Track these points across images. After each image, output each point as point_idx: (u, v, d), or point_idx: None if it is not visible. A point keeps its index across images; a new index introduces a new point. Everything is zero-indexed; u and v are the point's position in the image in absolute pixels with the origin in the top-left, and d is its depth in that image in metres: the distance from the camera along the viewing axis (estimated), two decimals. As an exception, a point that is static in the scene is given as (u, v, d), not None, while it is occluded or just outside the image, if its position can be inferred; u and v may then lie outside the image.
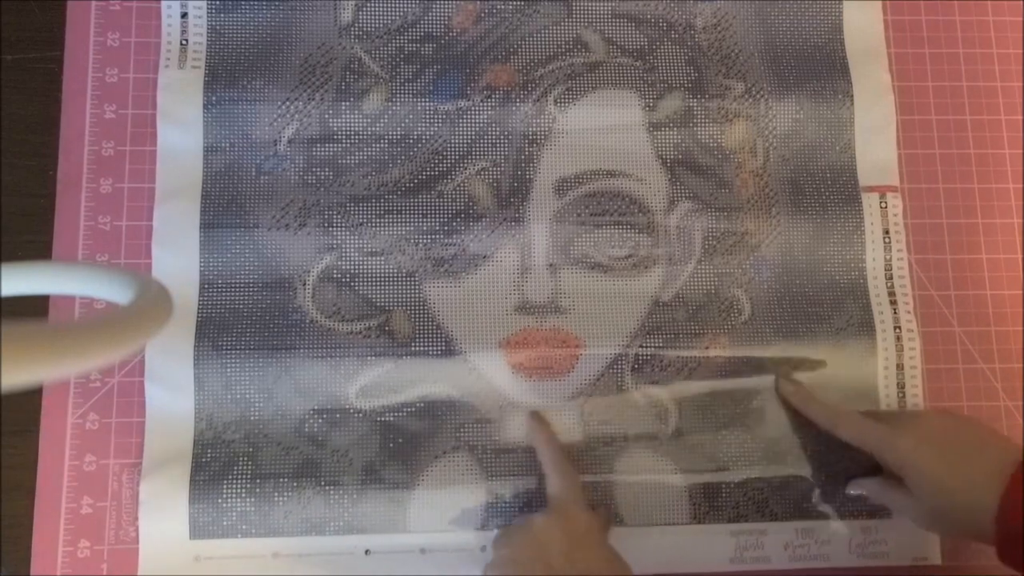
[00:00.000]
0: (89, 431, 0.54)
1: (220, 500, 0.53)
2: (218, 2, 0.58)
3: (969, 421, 0.53)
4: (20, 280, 0.34)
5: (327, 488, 0.54)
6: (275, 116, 0.57)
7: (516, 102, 0.59)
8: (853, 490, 0.56)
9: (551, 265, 0.57)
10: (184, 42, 0.58)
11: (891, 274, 0.60)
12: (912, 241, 0.60)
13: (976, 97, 0.63)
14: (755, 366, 0.57)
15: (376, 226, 0.57)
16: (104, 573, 0.52)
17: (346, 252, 0.56)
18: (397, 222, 0.57)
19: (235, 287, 0.55)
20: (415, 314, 0.56)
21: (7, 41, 0.57)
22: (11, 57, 0.57)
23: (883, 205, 0.60)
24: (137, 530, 0.53)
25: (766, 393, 0.57)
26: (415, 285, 0.56)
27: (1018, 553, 0.45)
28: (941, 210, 0.61)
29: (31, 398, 0.54)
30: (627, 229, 0.58)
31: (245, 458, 0.54)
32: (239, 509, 0.53)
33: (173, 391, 0.54)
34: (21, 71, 0.57)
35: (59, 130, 0.57)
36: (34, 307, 0.54)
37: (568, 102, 0.59)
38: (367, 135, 0.58)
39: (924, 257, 0.60)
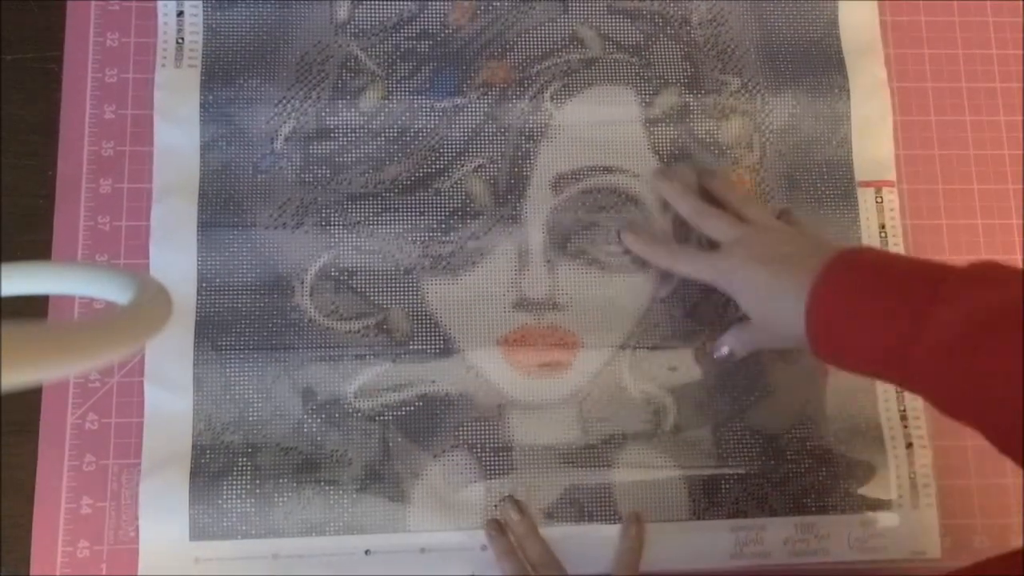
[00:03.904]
0: (88, 431, 0.54)
1: (220, 501, 0.53)
2: (214, 0, 0.58)
3: (786, 230, 0.54)
4: (20, 280, 0.34)
5: (327, 488, 0.54)
6: (272, 114, 0.57)
7: (512, 99, 0.59)
8: (720, 352, 0.56)
9: (548, 262, 0.57)
10: (180, 41, 0.58)
11: (888, 269, 0.60)
12: (912, 242, 0.60)
13: (975, 98, 0.63)
14: (753, 362, 0.58)
15: (373, 224, 0.57)
16: (103, 573, 0.52)
17: (344, 250, 0.56)
18: (394, 220, 0.57)
19: (233, 286, 0.55)
20: (413, 312, 0.56)
21: (7, 41, 0.57)
22: (11, 57, 0.57)
23: (879, 200, 0.60)
24: (136, 530, 0.53)
25: (764, 389, 0.58)
26: (413, 283, 0.57)
27: (826, 344, 0.46)
28: (941, 211, 0.61)
29: (31, 398, 0.54)
30: (624, 225, 0.58)
31: (244, 459, 0.54)
32: (239, 510, 0.53)
33: (172, 391, 0.54)
34: (20, 71, 0.57)
35: (58, 130, 0.57)
36: (34, 307, 0.54)
37: (564, 98, 0.59)
38: (364, 133, 0.58)
39: (924, 258, 0.60)
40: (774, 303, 0.49)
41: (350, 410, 0.55)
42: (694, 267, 0.54)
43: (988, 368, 0.39)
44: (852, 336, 0.45)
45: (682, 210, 0.56)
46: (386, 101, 0.58)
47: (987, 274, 0.41)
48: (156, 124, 0.57)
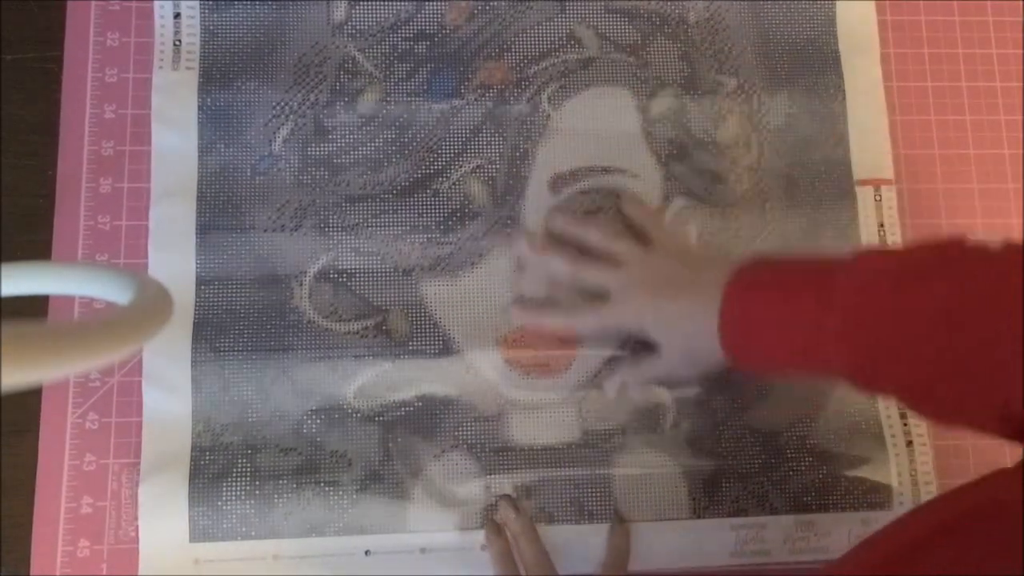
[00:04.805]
0: (89, 431, 0.54)
1: (219, 502, 0.53)
2: (211, 2, 0.58)
3: (672, 257, 0.53)
4: (20, 280, 0.34)
5: (326, 489, 0.54)
6: (269, 116, 0.57)
7: (510, 100, 0.59)
8: (612, 390, 0.56)
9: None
10: (177, 43, 0.58)
11: (887, 267, 0.60)
12: (911, 241, 0.60)
13: (976, 97, 0.63)
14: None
15: (372, 225, 0.57)
16: (104, 573, 0.52)
17: (342, 252, 0.56)
18: (393, 221, 0.57)
19: (232, 288, 0.55)
20: (412, 313, 0.56)
21: (7, 41, 0.57)
22: (11, 57, 0.57)
23: (877, 198, 0.60)
24: (137, 530, 0.53)
25: (764, 387, 0.57)
26: (412, 284, 0.57)
27: (744, 350, 0.48)
28: (940, 210, 0.61)
29: (31, 398, 0.54)
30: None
31: (244, 460, 0.54)
32: (239, 511, 0.53)
33: (171, 393, 0.54)
34: (21, 71, 0.57)
35: (59, 130, 0.57)
36: (34, 307, 0.54)
37: (562, 99, 0.59)
38: (362, 134, 0.58)
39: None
40: (689, 331, 0.50)
41: (350, 411, 0.55)
42: (599, 323, 0.54)
43: (903, 309, 0.41)
44: (768, 333, 0.46)
45: (554, 267, 0.55)
46: (384, 103, 0.58)
47: (873, 249, 0.44)
48: (154, 127, 0.57)
